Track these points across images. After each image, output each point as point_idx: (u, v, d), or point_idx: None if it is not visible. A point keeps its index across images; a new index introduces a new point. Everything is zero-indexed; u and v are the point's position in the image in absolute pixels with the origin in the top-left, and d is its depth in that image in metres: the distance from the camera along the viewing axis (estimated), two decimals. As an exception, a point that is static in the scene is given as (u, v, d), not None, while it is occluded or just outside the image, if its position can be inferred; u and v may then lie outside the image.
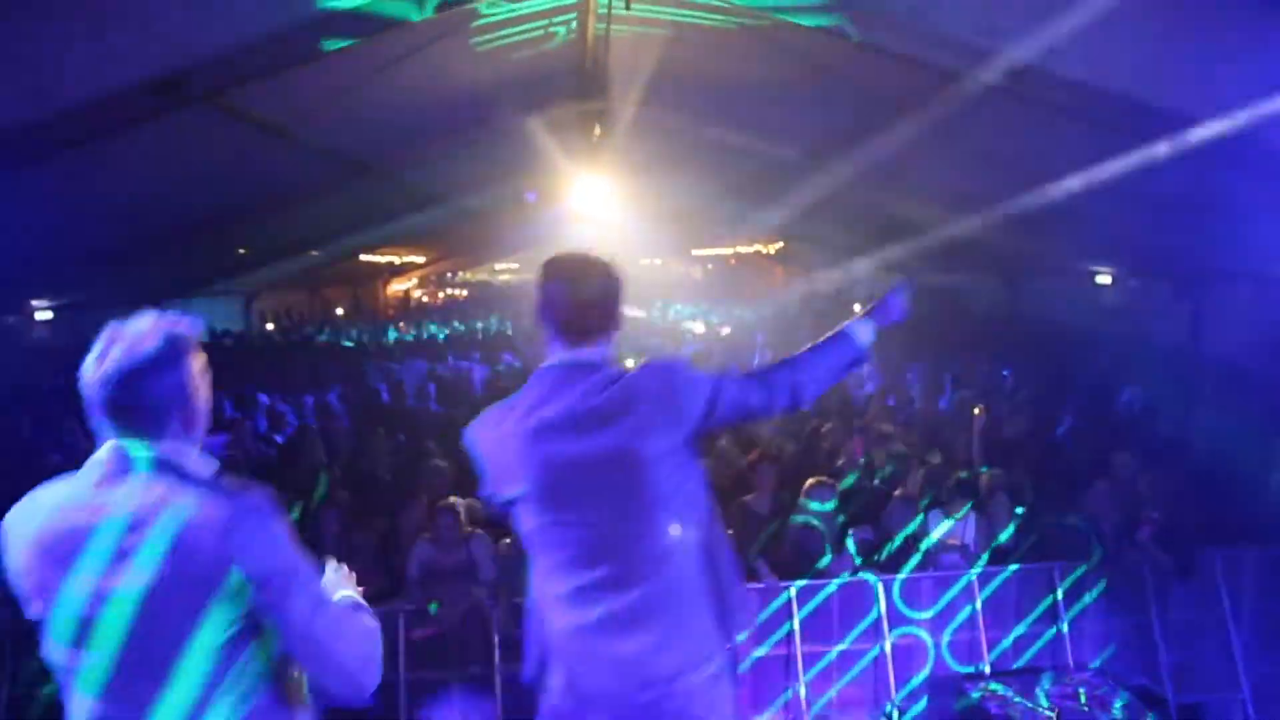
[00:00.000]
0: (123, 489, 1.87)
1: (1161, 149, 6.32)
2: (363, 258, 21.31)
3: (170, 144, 7.00)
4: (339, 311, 24.99)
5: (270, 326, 20.47)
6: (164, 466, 1.90)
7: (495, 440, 2.48)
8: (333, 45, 5.80)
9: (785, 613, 5.63)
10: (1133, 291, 11.96)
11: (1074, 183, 8.08)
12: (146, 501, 1.85)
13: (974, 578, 5.74)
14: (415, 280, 32.24)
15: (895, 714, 5.55)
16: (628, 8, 6.69)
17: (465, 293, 35.30)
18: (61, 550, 1.85)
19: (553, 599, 2.48)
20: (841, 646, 5.68)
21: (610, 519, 2.39)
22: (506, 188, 13.98)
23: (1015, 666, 5.67)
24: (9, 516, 1.93)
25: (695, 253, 30.66)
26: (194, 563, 1.82)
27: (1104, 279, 12.19)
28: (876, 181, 10.37)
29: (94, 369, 1.90)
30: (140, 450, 1.90)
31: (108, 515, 1.85)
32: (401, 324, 21.13)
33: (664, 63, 8.10)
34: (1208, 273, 10.13)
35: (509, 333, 19.60)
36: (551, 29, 7.45)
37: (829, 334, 2.68)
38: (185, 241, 10.56)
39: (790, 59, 7.30)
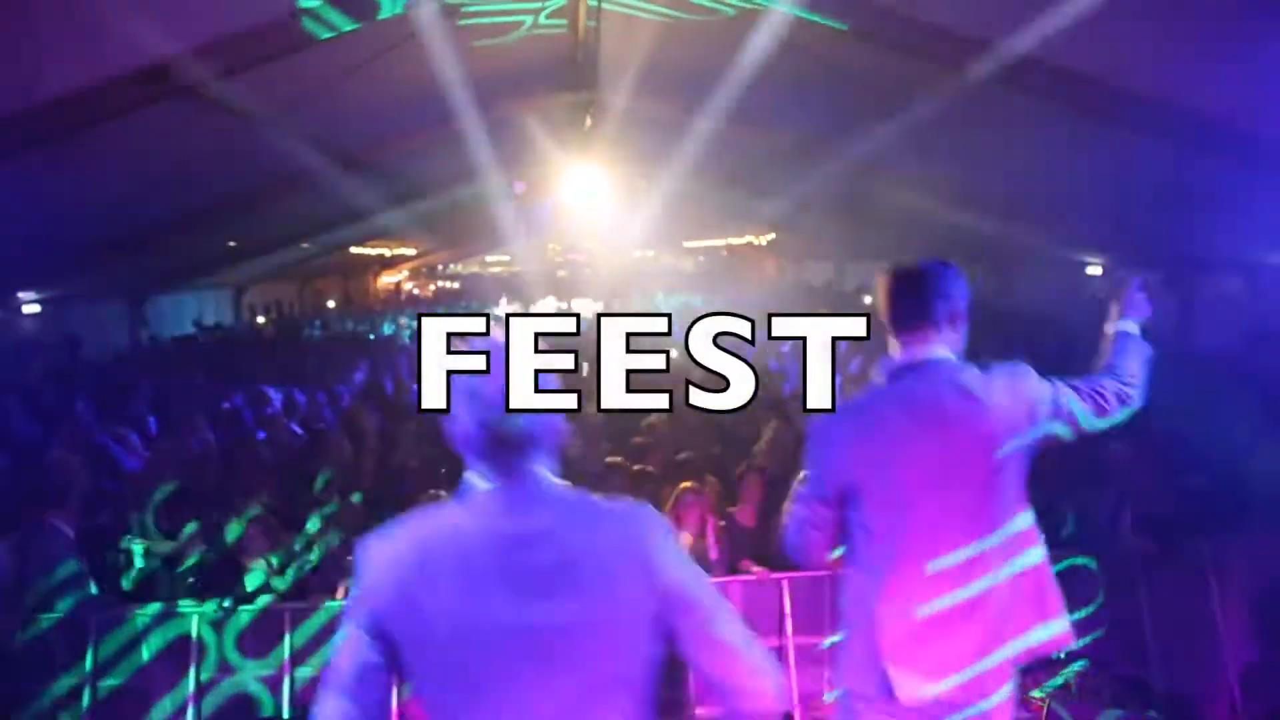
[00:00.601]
0: (536, 513, 1.80)
1: (1152, 139, 6.33)
2: (353, 250, 21.25)
3: (157, 135, 6.96)
4: (330, 304, 24.91)
5: (261, 320, 20.39)
6: (559, 487, 1.84)
7: (858, 429, 2.52)
8: (319, 35, 5.76)
9: (777, 604, 5.63)
10: (1122, 281, 11.97)
11: (1064, 172, 8.10)
12: (563, 523, 1.79)
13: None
14: (406, 272, 32.15)
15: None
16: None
17: (457, 285, 35.20)
18: (471, 573, 1.75)
19: (899, 593, 2.48)
20: (834, 638, 5.68)
21: (972, 510, 2.47)
22: (497, 179, 13.94)
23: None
24: (381, 542, 1.81)
25: (687, 244, 30.62)
26: (625, 580, 1.79)
27: (1094, 269, 12.22)
28: (868, 171, 10.37)
29: (495, 395, 1.77)
30: (538, 472, 1.82)
31: (525, 538, 1.77)
32: (401, 319, 20.93)
33: (655, 53, 8.08)
34: (1198, 263, 10.15)
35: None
36: (540, 20, 7.42)
37: (1111, 341, 2.78)
38: (174, 233, 10.51)
39: (783, 49, 7.28)
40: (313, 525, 5.72)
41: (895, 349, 2.60)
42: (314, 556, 5.58)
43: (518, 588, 1.72)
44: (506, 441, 1.75)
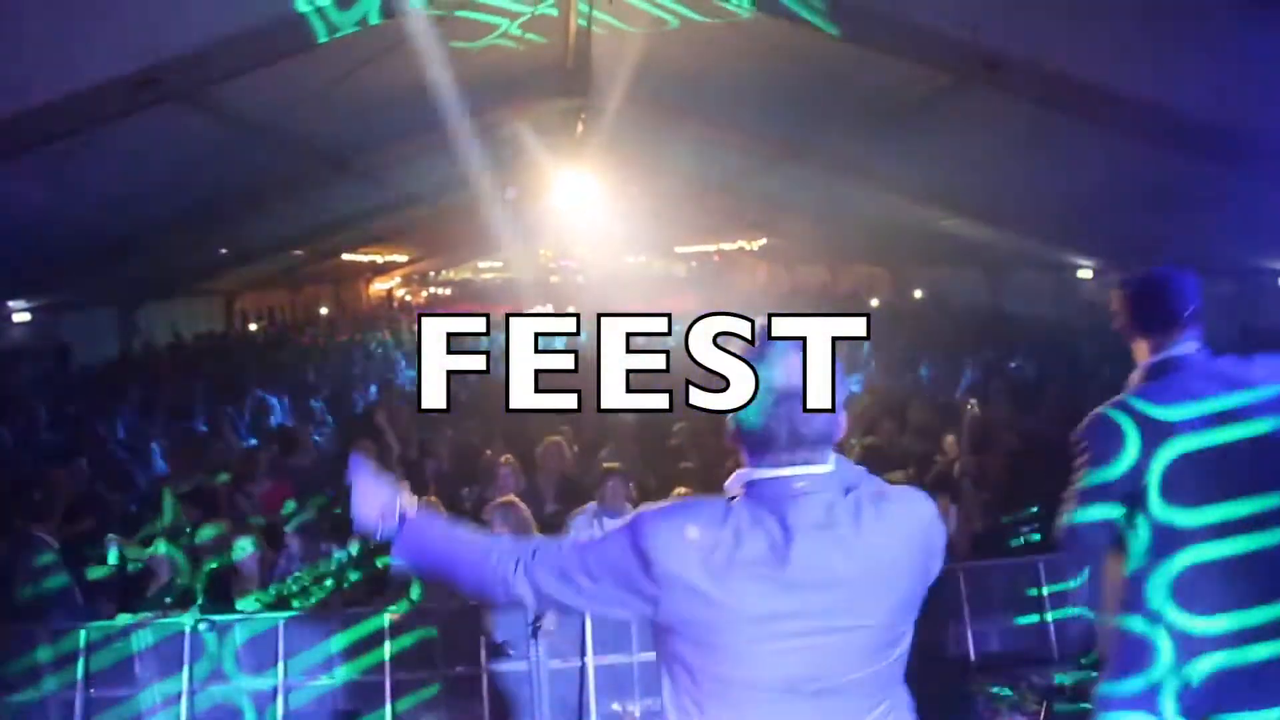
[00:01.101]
0: (848, 504, 1.88)
1: (1143, 142, 6.35)
2: (345, 257, 21.17)
3: (148, 142, 6.93)
4: (322, 311, 24.83)
5: (253, 327, 20.28)
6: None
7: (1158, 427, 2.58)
8: (310, 41, 5.74)
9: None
10: (1114, 284, 12.00)
11: (1056, 175, 8.11)
12: (879, 513, 1.89)
13: (959, 570, 5.74)
14: (398, 279, 32.09)
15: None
16: (610, 1, 6.67)
17: (449, 291, 35.15)
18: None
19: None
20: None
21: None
22: (489, 185, 13.93)
23: (1001, 659, 5.67)
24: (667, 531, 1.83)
25: (679, 250, 30.64)
26: (929, 564, 2.02)
27: (1085, 272, 12.25)
28: (859, 176, 10.39)
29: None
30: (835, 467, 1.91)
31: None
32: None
33: (646, 59, 8.08)
34: (1189, 266, 10.18)
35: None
36: (531, 27, 7.42)
37: None
38: (164, 240, 10.47)
39: (773, 55, 7.29)
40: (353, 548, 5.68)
41: (1143, 352, 2.81)
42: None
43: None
44: (806, 439, 1.84)
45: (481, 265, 37.36)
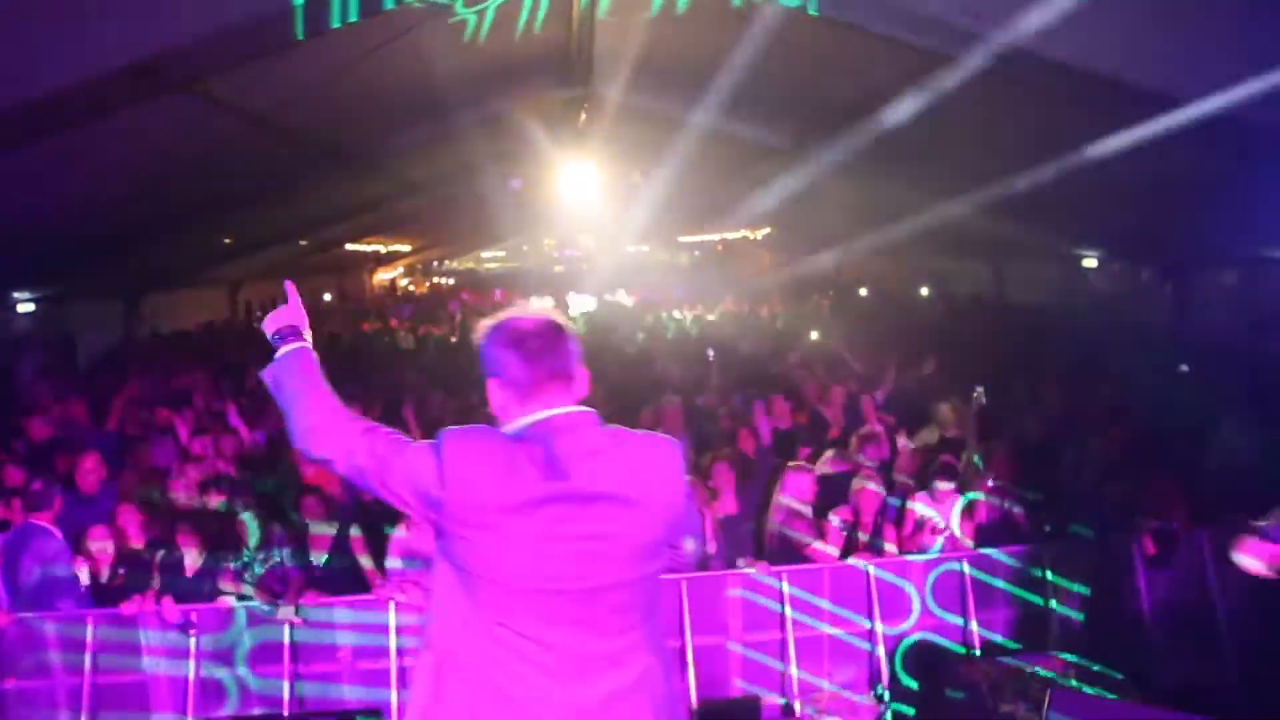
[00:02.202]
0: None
1: (1147, 132, 6.32)
2: (349, 247, 21.20)
3: (151, 132, 6.94)
4: (326, 297, 24.86)
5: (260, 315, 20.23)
6: None
7: None
8: (316, 31, 5.73)
9: (777, 597, 5.64)
10: (1118, 275, 12.00)
11: (1060, 166, 8.09)
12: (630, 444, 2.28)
13: (963, 559, 5.76)
14: (401, 269, 32.12)
15: (886, 695, 5.57)
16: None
17: (453, 281, 35.18)
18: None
19: None
20: (833, 630, 5.70)
21: None
22: (492, 175, 13.93)
23: (1005, 647, 5.69)
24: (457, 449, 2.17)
25: (682, 239, 30.63)
26: (673, 499, 2.28)
27: (1089, 263, 12.23)
28: (863, 166, 10.36)
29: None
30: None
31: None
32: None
33: (649, 48, 8.06)
34: (1193, 256, 10.16)
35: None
36: (534, 13, 7.39)
37: None
38: (168, 231, 10.48)
39: (776, 43, 7.26)
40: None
41: None
42: None
43: None
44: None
45: (485, 255, 37.37)
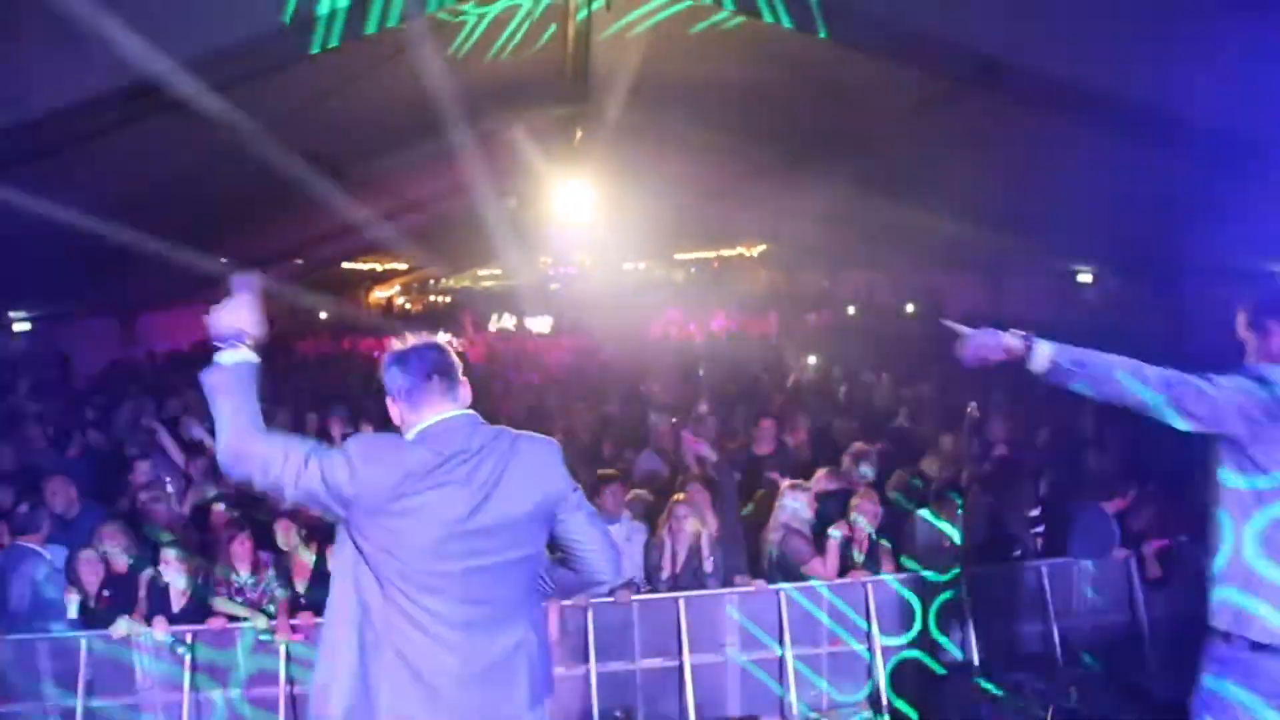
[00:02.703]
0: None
1: (1143, 146, 6.34)
2: (345, 265, 21.20)
3: (146, 152, 6.95)
4: (322, 316, 24.83)
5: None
6: None
7: None
8: (310, 50, 5.74)
9: (775, 616, 5.61)
10: (1113, 289, 12.01)
11: (1054, 180, 8.11)
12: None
13: (963, 576, 5.74)
14: (398, 287, 32.11)
15: (887, 714, 5.53)
16: (609, 8, 6.67)
17: (449, 299, 35.16)
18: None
19: None
20: (831, 648, 5.68)
21: None
22: (488, 193, 13.94)
23: (1006, 664, 5.66)
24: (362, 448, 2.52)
25: (678, 256, 30.66)
26: (548, 493, 2.62)
27: (1085, 276, 12.25)
28: (858, 182, 10.38)
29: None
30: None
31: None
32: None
33: (645, 65, 8.08)
34: (1189, 269, 10.16)
35: None
36: (530, 32, 7.42)
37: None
38: (164, 251, 10.45)
39: (771, 61, 7.29)
40: None
41: None
42: None
43: None
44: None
45: (481, 273, 37.38)
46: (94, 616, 5.32)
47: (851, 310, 20.24)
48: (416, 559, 2.46)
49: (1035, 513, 6.38)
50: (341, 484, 2.43)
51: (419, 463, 2.48)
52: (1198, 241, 8.03)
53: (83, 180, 7.02)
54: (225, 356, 2.56)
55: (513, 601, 2.59)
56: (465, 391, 2.66)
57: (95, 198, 7.63)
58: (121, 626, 5.12)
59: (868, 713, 5.54)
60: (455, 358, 2.68)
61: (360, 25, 5.70)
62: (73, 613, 5.36)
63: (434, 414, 2.59)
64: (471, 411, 2.64)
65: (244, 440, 2.46)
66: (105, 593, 5.41)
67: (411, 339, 2.70)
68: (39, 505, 5.70)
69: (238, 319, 2.60)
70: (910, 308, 18.41)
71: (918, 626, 5.71)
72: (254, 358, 2.60)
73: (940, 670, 5.67)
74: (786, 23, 5.85)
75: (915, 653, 5.70)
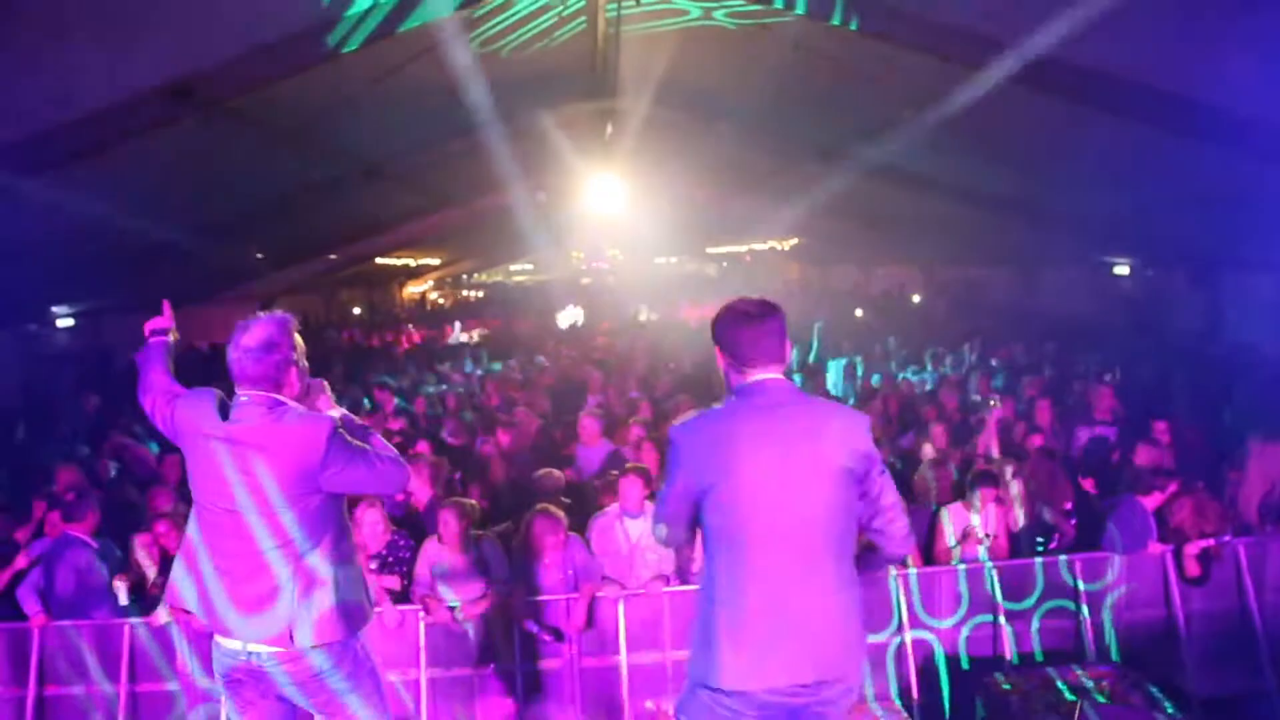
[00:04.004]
0: None
1: (1178, 138, 6.28)
2: (379, 260, 21.38)
3: (185, 149, 7.06)
4: (355, 311, 25.09)
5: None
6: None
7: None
8: (345, 48, 5.82)
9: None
10: (1149, 281, 11.88)
11: (1089, 173, 8.03)
12: None
13: (994, 570, 5.72)
14: (431, 282, 32.32)
15: (916, 707, 5.53)
16: (638, 3, 6.69)
17: (482, 294, 35.34)
18: None
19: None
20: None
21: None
22: (520, 188, 14.02)
23: (1037, 658, 5.64)
24: None
25: (710, 250, 30.60)
26: (306, 459, 3.01)
27: (1121, 269, 12.13)
28: (891, 175, 10.33)
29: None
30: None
31: None
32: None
33: (676, 61, 8.10)
34: (1224, 262, 10.04)
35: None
36: (561, 27, 7.46)
37: None
38: (202, 246, 10.63)
39: (802, 55, 7.28)
40: None
41: None
42: None
43: None
44: None
45: (513, 268, 37.55)
46: (149, 602, 5.44)
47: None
48: (203, 497, 3.13)
49: (1070, 505, 6.35)
50: (167, 417, 3.30)
51: (211, 417, 3.14)
52: (1235, 234, 7.94)
53: (124, 177, 7.15)
54: (151, 341, 3.58)
55: (283, 544, 3.05)
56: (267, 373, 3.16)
57: (135, 195, 7.78)
58: (163, 613, 5.23)
59: (897, 705, 5.54)
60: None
61: (398, 21, 5.77)
62: (123, 599, 5.48)
63: (245, 391, 3.12)
64: (269, 394, 3.14)
65: (146, 385, 3.41)
66: (161, 579, 5.54)
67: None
68: (87, 495, 5.83)
69: (163, 322, 3.67)
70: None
71: (948, 619, 5.70)
72: (168, 341, 3.61)
73: (974, 662, 5.65)
74: (800, 9, 5.84)
75: (945, 645, 5.68)
